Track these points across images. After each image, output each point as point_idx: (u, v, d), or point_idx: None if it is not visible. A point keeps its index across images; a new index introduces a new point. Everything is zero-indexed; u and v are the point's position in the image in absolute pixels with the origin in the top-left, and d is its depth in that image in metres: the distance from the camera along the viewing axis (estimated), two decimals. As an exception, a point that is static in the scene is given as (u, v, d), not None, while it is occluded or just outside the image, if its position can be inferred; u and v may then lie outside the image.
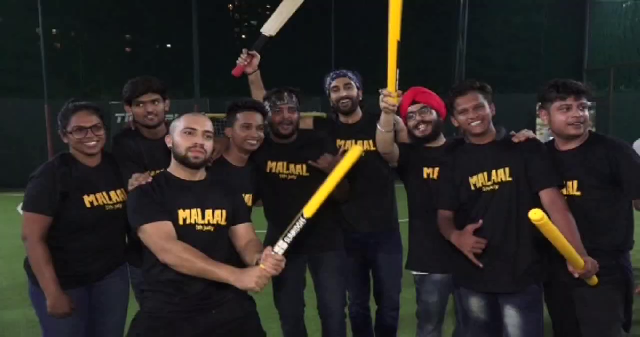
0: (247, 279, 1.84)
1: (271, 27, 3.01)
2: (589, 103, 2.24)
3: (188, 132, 2.07)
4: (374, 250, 3.00)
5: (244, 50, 2.97)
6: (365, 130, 2.90)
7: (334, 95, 2.95)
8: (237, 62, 2.96)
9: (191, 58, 13.86)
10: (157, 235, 1.96)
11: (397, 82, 2.16)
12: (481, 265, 2.24)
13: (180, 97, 12.61)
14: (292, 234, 1.86)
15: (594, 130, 8.58)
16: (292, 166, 2.70)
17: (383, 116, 2.39)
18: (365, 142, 2.91)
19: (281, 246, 1.87)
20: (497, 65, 14.49)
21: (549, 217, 2.18)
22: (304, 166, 2.68)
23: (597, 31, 15.27)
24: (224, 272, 1.88)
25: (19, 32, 13.25)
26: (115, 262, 2.56)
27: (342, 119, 3.00)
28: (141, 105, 2.54)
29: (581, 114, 2.19)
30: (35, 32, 13.34)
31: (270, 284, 2.71)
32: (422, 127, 2.60)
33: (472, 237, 2.23)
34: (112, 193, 2.44)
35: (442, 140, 2.70)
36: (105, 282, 2.51)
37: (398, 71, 2.13)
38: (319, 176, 2.59)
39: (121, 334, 2.59)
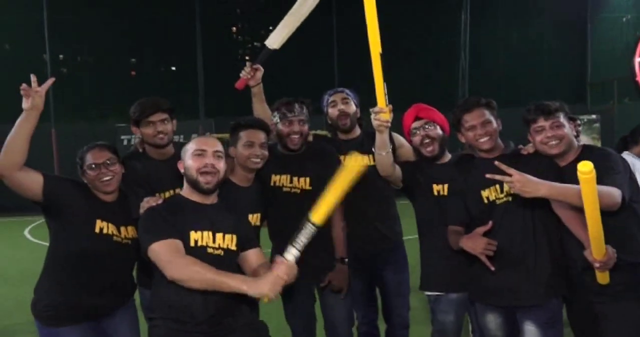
0: (261, 285, 1.83)
1: (275, 40, 3.00)
2: (561, 120, 2.24)
3: (198, 154, 2.09)
4: (380, 268, 2.97)
5: (248, 63, 2.97)
6: (364, 144, 2.90)
7: (331, 110, 2.96)
8: (241, 75, 2.95)
9: (196, 80, 14.00)
10: (165, 251, 1.95)
11: (387, 96, 2.13)
12: (493, 268, 2.22)
13: (185, 119, 12.70)
14: (302, 239, 1.85)
15: (599, 142, 8.45)
16: (295, 179, 2.68)
17: (378, 137, 2.37)
18: (364, 157, 2.89)
19: (291, 252, 1.86)
20: (499, 81, 14.55)
21: (560, 216, 2.19)
22: (308, 180, 2.66)
23: (599, 45, 15.34)
24: (236, 282, 1.86)
25: (25, 58, 13.45)
26: (125, 297, 2.53)
27: (341, 135, 3.01)
28: (151, 125, 2.54)
29: (552, 133, 2.23)
30: (41, 58, 13.55)
31: (280, 301, 2.69)
32: (427, 142, 2.60)
33: (483, 239, 2.22)
34: (122, 228, 2.43)
35: (447, 157, 2.69)
36: (114, 319, 2.48)
37: (385, 84, 2.09)
38: (322, 190, 2.61)
39: None
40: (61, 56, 14.68)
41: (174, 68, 16.08)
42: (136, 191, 2.48)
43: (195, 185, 2.10)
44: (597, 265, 2.03)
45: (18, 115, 2.23)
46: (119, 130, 11.98)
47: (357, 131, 3.02)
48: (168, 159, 2.59)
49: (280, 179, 2.69)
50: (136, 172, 2.54)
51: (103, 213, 2.38)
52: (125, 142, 12.00)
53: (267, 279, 1.84)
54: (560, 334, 2.28)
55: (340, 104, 2.94)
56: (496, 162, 2.06)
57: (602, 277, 2.11)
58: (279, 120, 2.65)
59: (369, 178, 2.77)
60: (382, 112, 2.21)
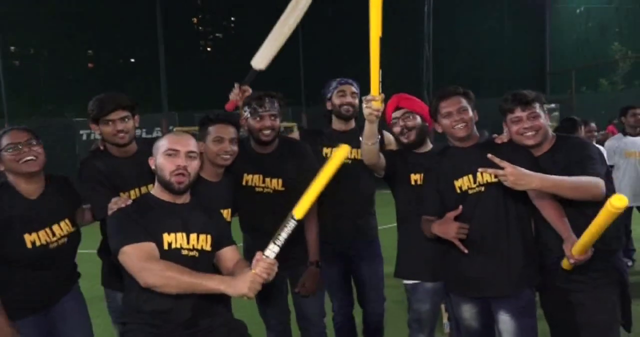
0: (240, 285, 1.75)
1: (260, 61, 2.98)
2: (538, 110, 2.23)
3: (170, 154, 1.99)
4: (356, 261, 2.97)
5: (236, 85, 2.93)
6: (356, 138, 2.85)
7: (337, 100, 2.93)
8: (230, 96, 2.92)
9: (157, 72, 13.67)
10: (136, 255, 1.84)
11: (380, 84, 2.10)
12: (466, 251, 2.21)
13: (147, 112, 12.36)
14: (283, 236, 1.81)
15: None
16: (267, 180, 2.63)
17: (367, 126, 2.33)
18: (353, 150, 2.88)
19: (272, 249, 1.81)
20: (461, 70, 14.75)
21: (538, 207, 2.19)
22: (280, 180, 2.62)
23: (557, 36, 15.76)
24: (213, 282, 1.78)
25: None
26: (67, 287, 2.46)
27: (336, 125, 2.99)
28: (110, 123, 2.39)
29: (530, 124, 2.22)
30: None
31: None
32: (406, 132, 2.59)
33: (455, 223, 2.20)
34: (55, 226, 2.32)
35: (429, 146, 2.67)
36: (61, 307, 2.40)
37: (381, 72, 2.05)
38: (295, 190, 2.51)
39: None
40: (12, 48, 14.05)
41: (133, 60, 15.65)
42: (99, 190, 2.37)
43: (166, 186, 2.01)
44: (572, 261, 2.03)
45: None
46: (77, 125, 11.58)
47: (352, 123, 3.02)
48: (131, 157, 2.48)
49: (253, 179, 2.64)
50: (99, 171, 2.41)
51: (30, 223, 2.24)
52: (84, 137, 11.63)
53: (246, 278, 1.76)
54: (534, 323, 2.29)
55: (349, 97, 2.93)
56: (489, 155, 2.03)
57: (567, 264, 2.13)
58: (249, 115, 2.59)
59: (355, 173, 2.82)
60: (375, 100, 2.15)
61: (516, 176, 1.95)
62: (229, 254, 2.08)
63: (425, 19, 14.27)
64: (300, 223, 1.83)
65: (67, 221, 2.36)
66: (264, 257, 1.80)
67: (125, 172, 2.44)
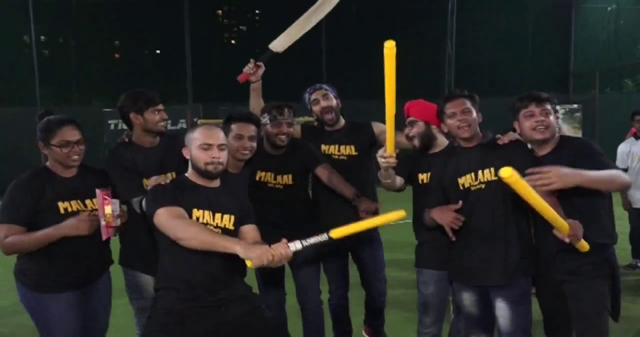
0: (252, 251, 1.94)
1: (279, 45, 3.27)
2: (549, 108, 2.40)
3: (204, 148, 2.24)
4: (356, 250, 3.28)
5: (251, 60, 3.20)
6: (347, 136, 3.23)
7: (315, 108, 3.23)
8: (244, 69, 3.19)
9: (182, 64, 13.90)
10: (168, 214, 2.10)
11: (395, 144, 2.34)
12: (454, 238, 2.44)
13: (172, 104, 12.65)
14: (311, 241, 1.99)
15: (580, 131, 8.68)
16: (279, 177, 2.98)
17: (382, 171, 2.56)
18: (347, 147, 3.22)
19: (297, 246, 1.99)
20: (484, 69, 14.71)
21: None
22: (290, 176, 2.98)
23: (582, 35, 15.54)
24: (230, 243, 2.00)
25: (5, 40, 13.23)
26: (103, 268, 2.69)
27: (327, 126, 3.27)
28: (157, 112, 2.69)
29: (543, 118, 2.38)
30: (22, 40, 13.33)
31: (253, 276, 2.95)
32: (411, 140, 2.82)
33: (452, 213, 2.43)
34: (87, 201, 2.54)
35: (441, 146, 2.83)
36: (94, 288, 2.64)
37: (397, 132, 2.30)
38: (303, 185, 3.03)
39: (105, 334, 2.76)
40: (42, 37, 14.38)
41: (158, 51, 15.90)
42: (127, 175, 2.63)
43: (202, 173, 2.26)
44: (567, 240, 2.17)
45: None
46: (106, 115, 11.94)
47: (342, 122, 3.29)
48: (155, 147, 2.76)
49: (265, 176, 2.97)
50: (127, 159, 2.69)
51: (63, 193, 2.48)
52: (112, 127, 11.99)
53: (260, 248, 1.96)
54: (529, 310, 2.47)
55: (322, 101, 3.20)
56: (529, 170, 2.18)
57: (582, 246, 2.24)
58: (268, 122, 2.89)
59: (349, 165, 3.14)
60: (392, 156, 2.38)
61: (561, 176, 2.13)
62: (250, 233, 2.31)
63: (449, 16, 14.27)
64: (330, 239, 2.01)
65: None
66: (287, 245, 1.98)
67: (150, 161, 2.71)
